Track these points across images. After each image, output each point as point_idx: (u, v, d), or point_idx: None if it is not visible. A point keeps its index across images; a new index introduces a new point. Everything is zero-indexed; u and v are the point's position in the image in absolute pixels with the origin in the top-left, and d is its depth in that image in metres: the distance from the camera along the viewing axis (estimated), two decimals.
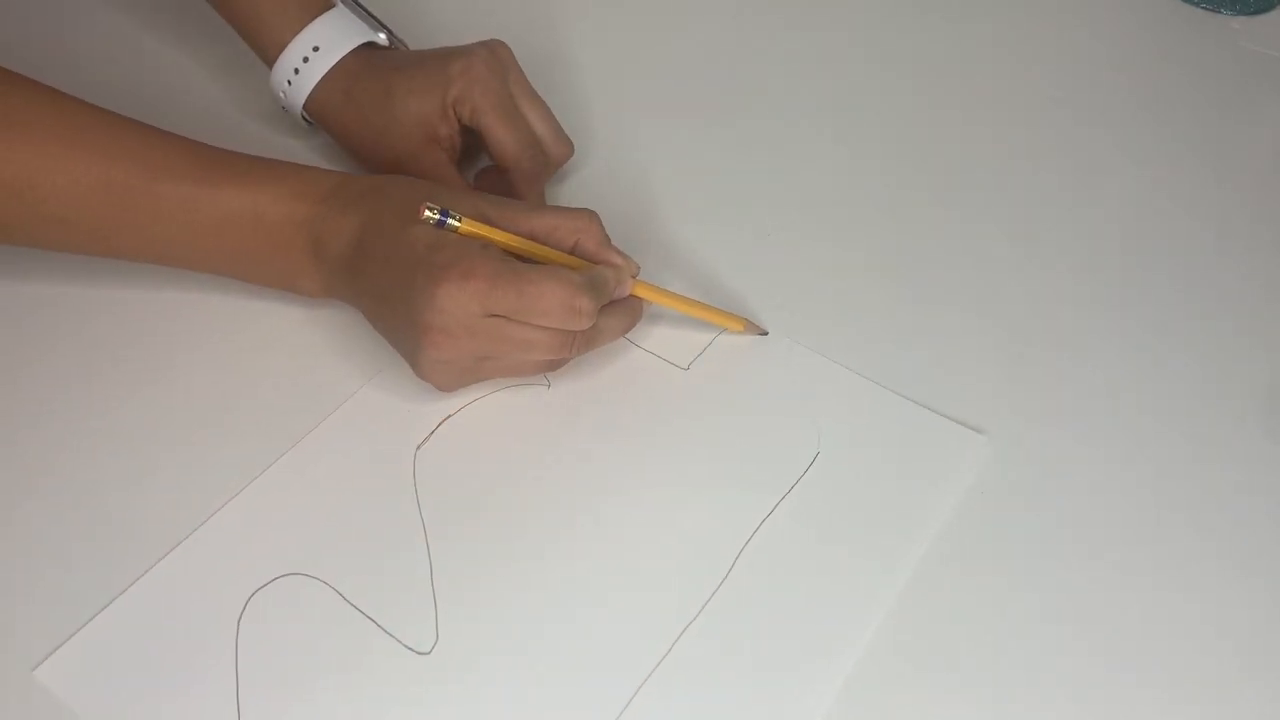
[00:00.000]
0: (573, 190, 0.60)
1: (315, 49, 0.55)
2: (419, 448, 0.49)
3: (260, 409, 0.49)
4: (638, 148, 0.62)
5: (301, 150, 0.61)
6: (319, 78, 0.55)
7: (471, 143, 0.57)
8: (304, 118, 0.58)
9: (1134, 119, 0.66)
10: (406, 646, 0.43)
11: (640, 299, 0.50)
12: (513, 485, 0.47)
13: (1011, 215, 0.60)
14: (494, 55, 0.55)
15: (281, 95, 0.57)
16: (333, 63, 0.55)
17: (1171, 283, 0.57)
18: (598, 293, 0.46)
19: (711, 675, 0.42)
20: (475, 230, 0.46)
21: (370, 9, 0.60)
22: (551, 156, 0.56)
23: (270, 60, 0.57)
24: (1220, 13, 0.74)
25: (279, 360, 0.52)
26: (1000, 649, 0.43)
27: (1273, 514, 0.48)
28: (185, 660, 0.42)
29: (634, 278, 0.49)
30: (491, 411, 0.50)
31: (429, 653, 0.42)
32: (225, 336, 0.53)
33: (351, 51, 0.56)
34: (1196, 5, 0.74)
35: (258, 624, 0.43)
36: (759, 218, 0.59)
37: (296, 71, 0.56)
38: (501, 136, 0.54)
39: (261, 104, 0.63)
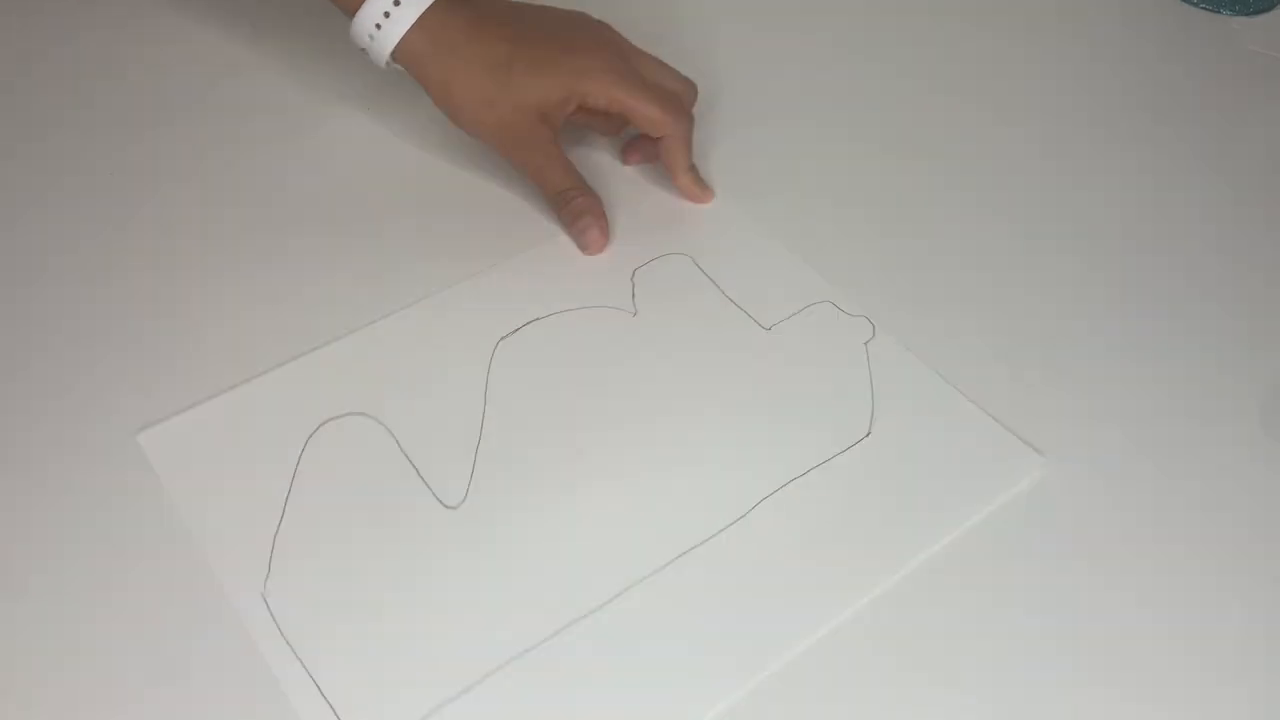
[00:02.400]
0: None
1: None
2: (503, 339, 0.53)
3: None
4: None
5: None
6: (413, 21, 0.54)
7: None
8: (390, 63, 0.56)
9: (1134, 119, 0.67)
10: (437, 498, 0.48)
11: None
12: (576, 387, 0.52)
13: (1011, 215, 0.61)
14: (610, 43, 0.58)
15: (369, 38, 0.55)
16: (426, 6, 0.54)
17: (1172, 282, 0.58)
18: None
19: (694, 599, 0.45)
20: None
21: None
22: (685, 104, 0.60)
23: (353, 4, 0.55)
24: (1220, 13, 0.74)
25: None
26: (1000, 635, 0.44)
27: (1274, 513, 0.48)
28: (255, 464, 0.48)
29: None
30: (576, 323, 0.54)
31: (455, 507, 0.47)
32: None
33: None
34: (1196, 5, 0.75)
35: (320, 449, 0.49)
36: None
37: (387, 15, 0.54)
38: (651, 113, 0.57)
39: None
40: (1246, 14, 0.75)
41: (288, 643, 0.43)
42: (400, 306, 0.54)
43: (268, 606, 0.44)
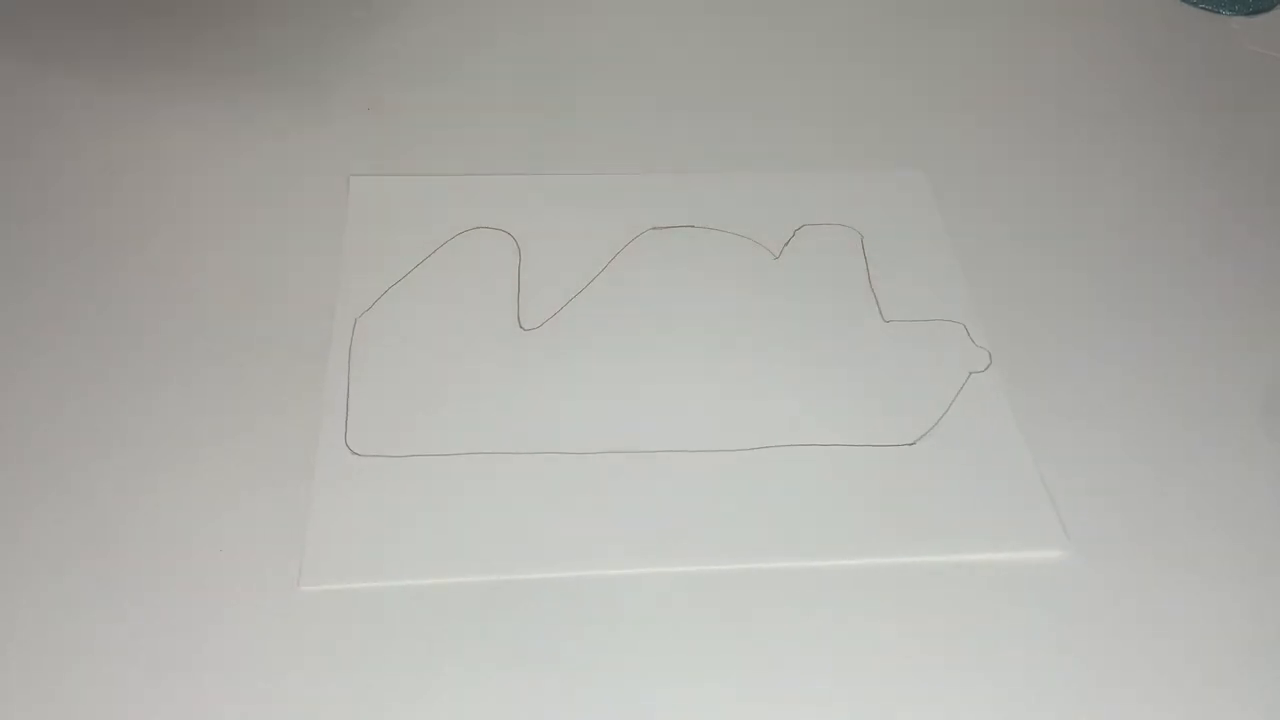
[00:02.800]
0: None
1: None
2: (655, 228, 0.59)
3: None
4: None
5: None
6: None
7: None
8: None
9: (1134, 119, 0.67)
10: (519, 317, 0.54)
11: None
12: (685, 290, 0.56)
13: (1010, 215, 0.61)
14: None
15: None
16: None
17: (1171, 283, 0.58)
18: None
19: (680, 481, 0.48)
20: None
21: None
22: None
23: None
24: (1220, 13, 0.75)
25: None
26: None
27: (1273, 513, 0.48)
28: (412, 231, 0.57)
29: None
30: (720, 242, 0.58)
31: (529, 330, 0.54)
32: None
33: None
34: (1196, 5, 0.76)
35: (462, 244, 0.57)
36: None
37: None
38: None
39: None
40: (1246, 14, 0.76)
41: (349, 362, 0.51)
42: (596, 172, 0.61)
43: (353, 331, 0.52)
